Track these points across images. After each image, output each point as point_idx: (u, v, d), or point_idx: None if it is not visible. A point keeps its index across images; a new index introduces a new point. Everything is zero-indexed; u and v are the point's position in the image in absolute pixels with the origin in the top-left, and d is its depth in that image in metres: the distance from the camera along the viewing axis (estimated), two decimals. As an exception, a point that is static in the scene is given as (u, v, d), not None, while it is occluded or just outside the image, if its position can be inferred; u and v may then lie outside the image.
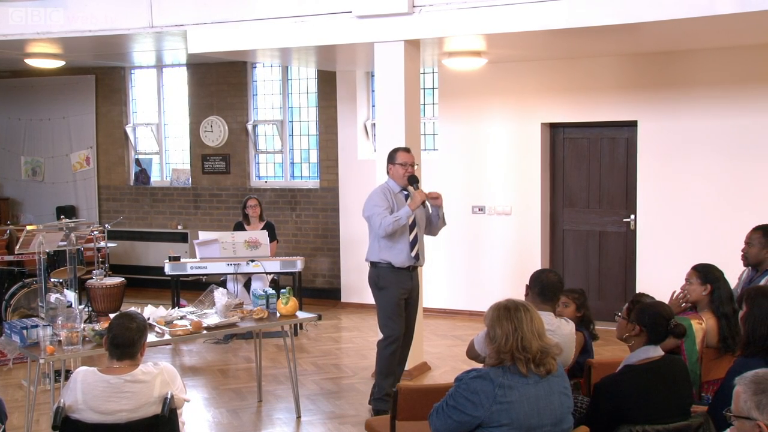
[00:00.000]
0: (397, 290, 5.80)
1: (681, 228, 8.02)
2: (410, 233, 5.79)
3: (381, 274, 5.83)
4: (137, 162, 11.32)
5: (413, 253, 5.79)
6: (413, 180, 5.79)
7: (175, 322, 5.41)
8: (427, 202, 5.90)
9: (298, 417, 5.90)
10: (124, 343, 3.60)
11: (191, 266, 7.99)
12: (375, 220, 5.71)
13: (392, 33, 6.64)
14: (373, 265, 5.89)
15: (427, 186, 7.40)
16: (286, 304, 5.69)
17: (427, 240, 7.33)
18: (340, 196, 9.74)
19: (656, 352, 3.65)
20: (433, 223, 6.00)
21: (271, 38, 7.25)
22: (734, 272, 5.17)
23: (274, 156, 10.56)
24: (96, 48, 9.01)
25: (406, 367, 6.64)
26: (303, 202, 10.18)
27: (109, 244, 9.06)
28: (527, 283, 4.41)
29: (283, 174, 10.49)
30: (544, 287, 4.27)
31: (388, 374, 5.83)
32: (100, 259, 8.57)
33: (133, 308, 4.66)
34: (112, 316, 4.13)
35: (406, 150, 5.91)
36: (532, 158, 8.69)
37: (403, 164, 5.80)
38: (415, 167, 5.90)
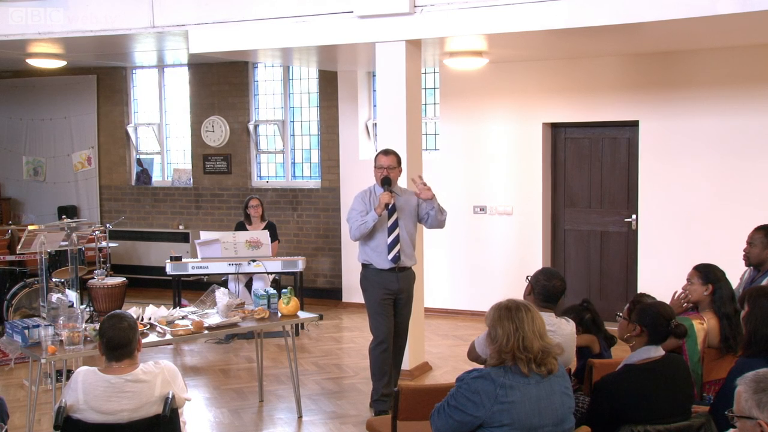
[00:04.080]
0: (380, 291, 5.80)
1: (682, 228, 8.02)
2: (389, 235, 5.77)
3: (366, 275, 5.90)
4: (138, 162, 11.33)
5: (390, 256, 5.76)
6: (386, 182, 5.77)
7: (176, 322, 5.42)
8: (418, 198, 5.87)
9: (300, 417, 5.90)
10: (121, 344, 3.60)
11: (192, 266, 8.00)
12: (349, 224, 5.88)
13: (393, 33, 6.64)
14: (362, 266, 5.96)
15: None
16: (288, 304, 5.69)
17: (428, 239, 7.35)
18: (341, 196, 9.74)
19: (657, 352, 3.65)
20: (432, 216, 5.86)
21: (272, 38, 7.25)
22: (736, 272, 5.17)
23: (276, 156, 10.56)
24: (97, 48, 9.02)
25: (408, 367, 6.66)
26: (304, 202, 10.19)
27: (111, 244, 9.07)
28: (529, 277, 4.37)
29: (284, 174, 10.49)
30: (549, 294, 4.24)
31: (381, 375, 5.83)
32: (102, 259, 8.58)
33: (118, 309, 4.66)
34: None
35: (385, 153, 5.90)
36: (533, 158, 8.69)
37: (380, 167, 5.82)
38: (394, 170, 5.82)
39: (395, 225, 5.80)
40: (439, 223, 5.97)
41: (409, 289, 5.98)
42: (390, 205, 5.74)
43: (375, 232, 5.78)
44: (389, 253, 5.76)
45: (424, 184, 5.81)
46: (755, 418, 2.39)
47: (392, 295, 5.85)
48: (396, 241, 5.78)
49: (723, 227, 7.71)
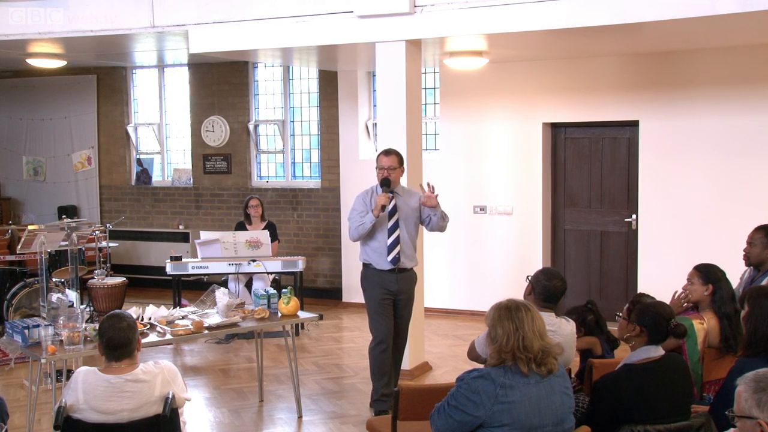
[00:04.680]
0: (378, 291, 5.77)
1: (682, 228, 8.02)
2: (389, 236, 5.73)
3: (366, 275, 5.87)
4: (139, 162, 11.33)
5: (390, 257, 5.71)
6: (385, 183, 5.71)
7: (176, 321, 5.42)
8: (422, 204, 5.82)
9: (300, 417, 5.90)
10: (121, 344, 3.60)
11: (193, 266, 7.99)
12: (349, 224, 5.86)
13: (393, 33, 6.64)
14: (363, 265, 5.94)
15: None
16: (288, 303, 5.69)
17: (429, 239, 7.34)
18: (341, 196, 9.74)
19: (657, 352, 3.65)
20: (434, 221, 5.85)
21: (272, 38, 7.25)
22: (736, 272, 5.17)
23: (276, 156, 10.56)
24: (97, 48, 9.02)
25: (408, 367, 6.65)
26: (304, 201, 10.19)
27: (111, 244, 9.07)
28: (529, 277, 4.36)
29: (284, 174, 10.49)
30: (550, 294, 4.24)
31: (380, 375, 5.80)
32: (102, 259, 8.57)
33: (118, 309, 4.65)
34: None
35: (386, 153, 5.83)
36: (533, 158, 8.69)
37: (380, 168, 5.76)
38: (395, 170, 5.74)
39: (396, 226, 5.76)
40: (441, 228, 5.95)
41: (409, 290, 5.94)
42: (389, 208, 5.70)
43: (375, 233, 5.75)
44: (389, 254, 5.74)
45: (432, 191, 5.73)
46: (755, 417, 2.39)
47: (392, 295, 5.82)
48: (396, 242, 5.75)
49: (723, 227, 7.71)
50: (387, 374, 5.82)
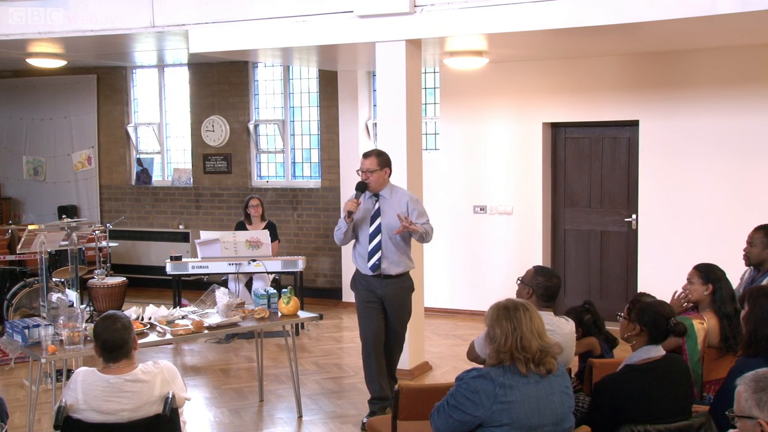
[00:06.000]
0: (364, 294, 5.60)
1: (683, 228, 8.02)
2: (370, 242, 5.50)
3: (354, 277, 5.74)
4: (139, 161, 11.33)
5: (370, 264, 5.50)
6: (359, 188, 5.48)
7: (176, 321, 5.42)
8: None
9: (300, 416, 5.90)
10: (117, 345, 3.58)
11: (193, 266, 7.99)
12: None
13: (393, 33, 6.64)
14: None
15: (427, 186, 7.44)
16: (288, 303, 5.69)
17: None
18: (341, 196, 9.73)
19: (657, 351, 3.65)
20: (414, 238, 5.60)
21: (273, 38, 7.25)
22: (736, 272, 5.17)
23: (276, 156, 10.56)
24: (97, 48, 9.02)
25: (408, 367, 6.65)
26: (304, 201, 10.19)
27: (111, 244, 9.08)
28: (522, 278, 4.35)
29: (284, 174, 10.49)
30: (551, 293, 4.23)
31: (369, 378, 5.67)
32: (102, 259, 8.58)
33: (113, 310, 4.63)
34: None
35: (365, 155, 5.58)
36: (533, 158, 8.69)
37: (360, 170, 5.56)
38: (374, 173, 5.42)
39: (377, 231, 5.51)
40: (423, 242, 5.73)
41: (398, 296, 5.62)
42: (373, 211, 5.51)
43: (360, 237, 5.57)
44: (369, 260, 5.52)
45: (409, 224, 5.36)
46: (755, 417, 2.39)
47: (378, 299, 5.60)
48: (377, 248, 5.50)
49: (723, 227, 7.71)
50: (376, 377, 5.65)
